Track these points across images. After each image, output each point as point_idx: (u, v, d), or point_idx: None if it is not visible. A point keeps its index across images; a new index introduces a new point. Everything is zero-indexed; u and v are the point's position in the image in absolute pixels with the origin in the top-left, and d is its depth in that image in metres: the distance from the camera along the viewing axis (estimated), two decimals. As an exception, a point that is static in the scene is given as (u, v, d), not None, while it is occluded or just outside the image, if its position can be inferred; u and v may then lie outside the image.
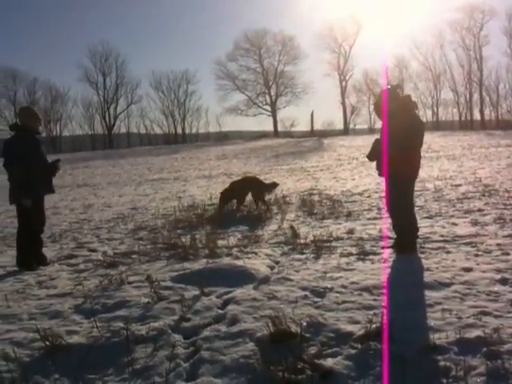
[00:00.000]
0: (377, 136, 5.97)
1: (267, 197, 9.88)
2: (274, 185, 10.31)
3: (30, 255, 6.21)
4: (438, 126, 55.68)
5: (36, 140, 6.33)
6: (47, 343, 3.55)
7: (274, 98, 61.40)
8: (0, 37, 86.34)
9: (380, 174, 5.87)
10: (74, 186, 18.43)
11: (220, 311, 4.07)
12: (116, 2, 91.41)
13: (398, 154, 5.35)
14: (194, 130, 66.89)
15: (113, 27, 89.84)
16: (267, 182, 10.61)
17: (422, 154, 5.78)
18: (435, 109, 61.14)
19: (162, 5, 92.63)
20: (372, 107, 6.03)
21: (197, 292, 4.54)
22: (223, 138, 48.91)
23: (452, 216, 7.50)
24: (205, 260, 5.80)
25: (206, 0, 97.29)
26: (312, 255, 5.73)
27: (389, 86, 5.73)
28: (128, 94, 63.53)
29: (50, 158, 6.57)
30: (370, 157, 5.89)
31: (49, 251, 7.03)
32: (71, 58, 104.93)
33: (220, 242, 6.72)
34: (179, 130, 65.35)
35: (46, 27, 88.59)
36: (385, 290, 4.27)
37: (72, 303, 4.52)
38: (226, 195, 9.79)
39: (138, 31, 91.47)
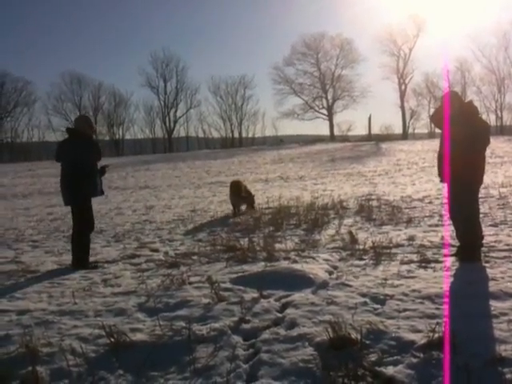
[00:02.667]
0: (437, 142, 5.84)
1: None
2: (250, 200, 10.87)
3: (87, 254, 6.49)
4: (503, 130, 53.52)
5: (86, 144, 6.47)
6: (112, 340, 3.67)
7: (330, 101, 60.99)
8: (67, 44, 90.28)
9: (442, 180, 5.73)
10: (136, 188, 18.96)
11: (279, 314, 4.09)
12: (177, 10, 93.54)
13: (463, 158, 5.21)
14: (250, 134, 67.40)
15: (174, 33, 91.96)
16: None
17: (485, 159, 5.61)
18: (499, 113, 58.91)
19: (220, 11, 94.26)
20: (432, 113, 5.89)
21: (256, 294, 4.58)
22: (279, 142, 48.92)
23: (518, 224, 7.21)
24: (263, 263, 5.85)
25: (263, 5, 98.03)
26: (371, 261, 5.66)
27: (452, 90, 5.60)
28: (187, 99, 64.82)
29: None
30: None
31: (113, 250, 7.29)
32: (135, 63, 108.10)
33: (277, 246, 6.75)
34: (236, 134, 66.03)
35: (111, 34, 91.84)
36: (448, 299, 4.17)
37: (136, 301, 4.67)
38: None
39: (197, 37, 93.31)
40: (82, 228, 6.49)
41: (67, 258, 6.84)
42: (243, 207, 10.74)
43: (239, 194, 10.54)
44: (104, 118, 63.02)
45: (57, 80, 62.53)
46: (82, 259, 6.39)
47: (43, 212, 13.45)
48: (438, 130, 6.11)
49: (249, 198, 10.82)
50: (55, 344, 3.71)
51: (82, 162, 6.31)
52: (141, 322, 4.12)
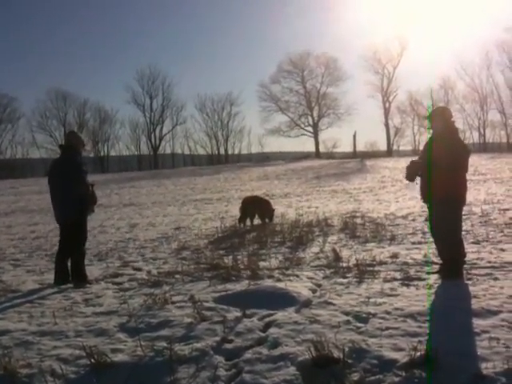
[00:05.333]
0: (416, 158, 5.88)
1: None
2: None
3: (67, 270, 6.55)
4: (486, 148, 54.23)
5: (77, 162, 6.53)
6: (93, 360, 3.62)
7: (316, 119, 61.52)
8: (53, 60, 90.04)
9: (425, 201, 5.75)
10: (120, 206, 18.84)
11: (262, 334, 4.07)
12: (163, 27, 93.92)
13: (447, 179, 5.27)
14: (236, 151, 67.61)
15: (160, 51, 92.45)
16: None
17: (468, 177, 5.67)
18: (482, 130, 59.76)
19: (207, 29, 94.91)
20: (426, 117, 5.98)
21: (239, 314, 4.55)
22: (265, 159, 49.10)
23: (500, 241, 7.28)
24: (247, 281, 5.83)
25: (249, 23, 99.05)
26: (355, 279, 5.67)
27: (438, 106, 5.67)
28: (173, 116, 64.91)
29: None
30: (409, 177, 5.79)
31: (95, 269, 7.22)
32: (121, 80, 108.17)
33: (261, 264, 6.73)
34: (222, 151, 66.19)
35: (97, 51, 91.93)
36: (430, 317, 4.18)
37: (117, 321, 4.62)
38: None
39: (183, 55, 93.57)
40: (84, 242, 6.67)
41: (49, 277, 6.75)
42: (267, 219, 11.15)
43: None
44: (89, 134, 62.65)
45: (42, 97, 62.18)
46: (84, 274, 6.53)
47: (25, 230, 13.30)
48: (420, 148, 6.16)
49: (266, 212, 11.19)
50: (35, 365, 3.66)
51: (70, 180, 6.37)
52: (122, 343, 4.07)
